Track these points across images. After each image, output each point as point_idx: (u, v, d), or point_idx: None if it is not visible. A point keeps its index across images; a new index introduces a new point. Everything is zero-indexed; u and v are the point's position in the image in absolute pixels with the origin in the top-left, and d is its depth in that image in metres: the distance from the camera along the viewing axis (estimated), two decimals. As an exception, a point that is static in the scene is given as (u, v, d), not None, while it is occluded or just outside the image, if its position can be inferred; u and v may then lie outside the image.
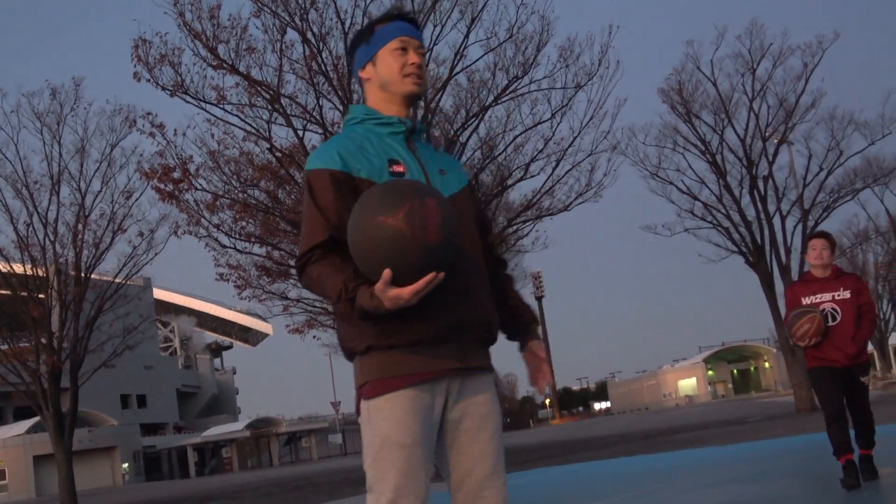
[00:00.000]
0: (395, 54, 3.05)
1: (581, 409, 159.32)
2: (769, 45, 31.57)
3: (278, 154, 22.22)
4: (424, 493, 2.89)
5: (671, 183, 32.64)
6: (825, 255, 7.60)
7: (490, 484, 3.00)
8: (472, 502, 2.99)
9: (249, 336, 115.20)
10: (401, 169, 2.97)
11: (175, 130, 22.18)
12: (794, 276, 32.01)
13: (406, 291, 2.65)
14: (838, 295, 7.44)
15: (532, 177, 24.39)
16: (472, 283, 2.98)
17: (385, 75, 3.07)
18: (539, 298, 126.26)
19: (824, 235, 7.87)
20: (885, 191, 44.61)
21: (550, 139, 23.79)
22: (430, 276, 2.65)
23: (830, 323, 7.36)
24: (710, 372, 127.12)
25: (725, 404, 77.15)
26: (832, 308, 7.41)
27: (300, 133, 21.96)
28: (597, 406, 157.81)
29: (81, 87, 26.95)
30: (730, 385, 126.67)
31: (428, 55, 21.90)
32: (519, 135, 24.02)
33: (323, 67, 21.28)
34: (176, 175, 22.17)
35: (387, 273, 2.63)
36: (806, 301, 7.54)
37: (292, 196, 23.22)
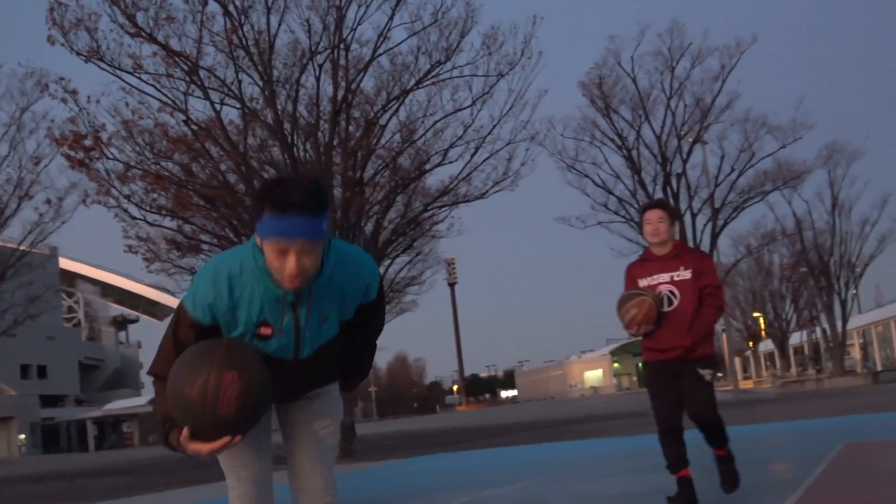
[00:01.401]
0: (275, 252, 2.91)
1: (488, 396, 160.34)
2: (689, 45, 32.14)
3: (194, 127, 21.92)
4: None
5: (587, 176, 33.05)
6: (662, 228, 6.28)
7: None
8: None
9: (157, 310, 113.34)
10: (267, 332, 3.10)
11: (88, 97, 21.76)
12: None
13: (204, 448, 2.98)
14: (677, 275, 6.20)
15: (450, 163, 24.47)
16: (298, 383, 3.36)
17: (269, 264, 2.97)
18: (452, 285, 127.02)
19: (661, 205, 6.62)
20: (793, 194, 45.71)
21: (470, 126, 23.89)
22: (225, 439, 2.96)
23: (667, 308, 6.15)
24: (616, 364, 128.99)
25: (629, 396, 78.24)
26: (669, 291, 6.18)
27: (217, 107, 21.72)
28: (504, 394, 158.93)
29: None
30: (634, 378, 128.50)
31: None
32: (439, 120, 24.08)
33: (244, 42, 21.02)
34: (87, 143, 21.73)
35: (186, 431, 2.95)
36: (643, 283, 6.31)
37: (206, 170, 22.95)
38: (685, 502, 6.13)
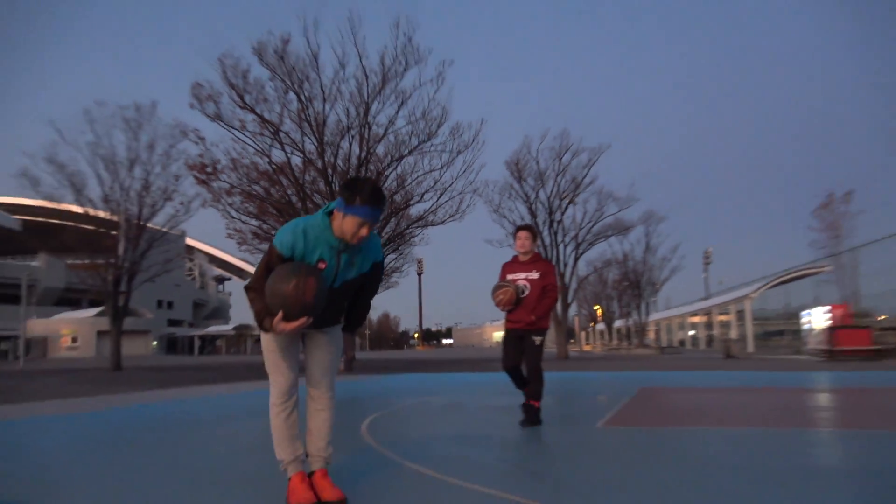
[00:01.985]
0: (355, 225, 3.11)
1: (435, 342, 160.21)
2: (571, 145, 32.26)
3: (273, 167, 21.73)
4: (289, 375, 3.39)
5: (505, 217, 33.00)
6: (527, 244, 6.18)
7: None
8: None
9: (243, 274, 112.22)
10: (322, 266, 3.18)
11: (211, 143, 21.60)
12: (568, 280, 32.73)
13: (290, 326, 3.06)
14: (530, 275, 6.10)
15: (425, 202, 24.43)
16: (325, 314, 3.34)
17: (346, 229, 3.14)
18: (419, 274, 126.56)
19: (527, 228, 6.31)
20: (624, 239, 46.14)
21: (438, 181, 23.87)
22: (304, 319, 3.06)
23: (522, 296, 6.06)
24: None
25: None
26: (524, 284, 6.08)
27: (289, 156, 21.55)
28: (445, 342, 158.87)
29: (156, 107, 25.78)
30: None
31: (368, 129, 21.59)
32: (420, 175, 24.01)
33: (307, 118, 20.89)
34: (209, 170, 21.53)
35: (279, 315, 3.03)
36: (509, 277, 6.18)
37: (279, 193, 22.71)
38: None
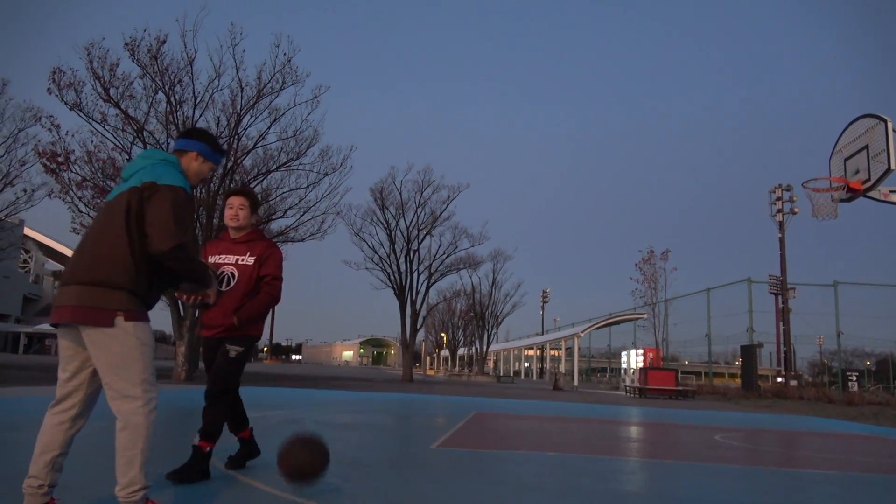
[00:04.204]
0: (208, 170, 3.26)
1: (284, 356, 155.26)
2: (432, 181, 32.96)
3: (133, 164, 20.26)
4: None
5: (364, 240, 32.94)
6: (241, 214, 4.21)
7: None
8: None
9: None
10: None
11: (67, 131, 19.83)
12: (419, 307, 33.09)
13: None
14: (242, 260, 4.15)
15: (288, 217, 23.89)
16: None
17: (202, 174, 3.26)
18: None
19: (244, 193, 4.31)
20: (473, 272, 47.60)
21: (302, 199, 23.47)
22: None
23: (225, 287, 4.08)
24: (362, 350, 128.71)
25: (367, 369, 77.85)
26: (231, 272, 4.11)
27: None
28: (294, 357, 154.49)
29: (6, 85, 23.30)
30: (370, 359, 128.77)
31: (238, 140, 20.90)
32: (285, 192, 23.49)
33: (175, 120, 19.81)
34: (60, 159, 19.71)
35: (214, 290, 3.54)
36: (212, 260, 4.20)
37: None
38: (184, 472, 3.88)
